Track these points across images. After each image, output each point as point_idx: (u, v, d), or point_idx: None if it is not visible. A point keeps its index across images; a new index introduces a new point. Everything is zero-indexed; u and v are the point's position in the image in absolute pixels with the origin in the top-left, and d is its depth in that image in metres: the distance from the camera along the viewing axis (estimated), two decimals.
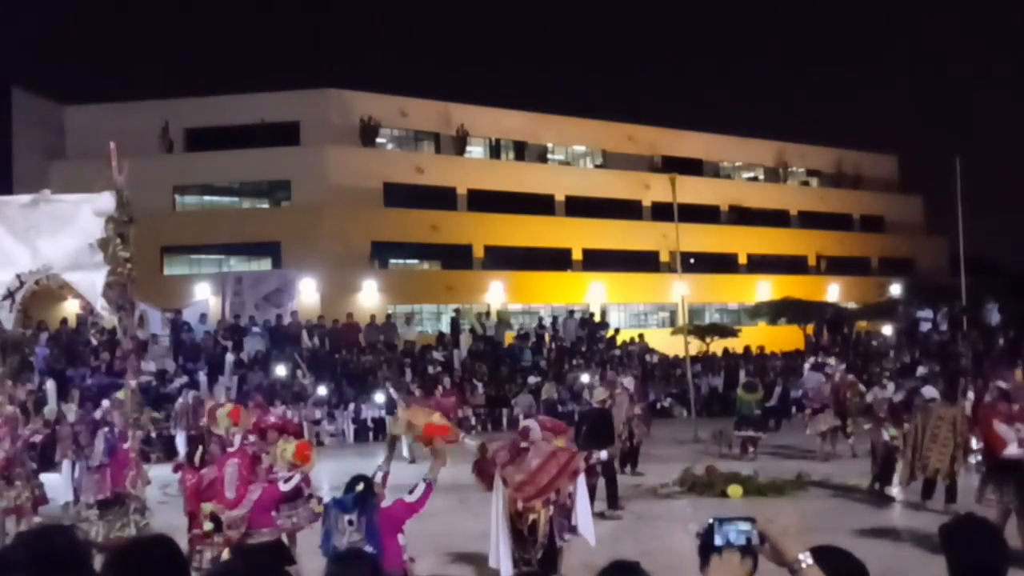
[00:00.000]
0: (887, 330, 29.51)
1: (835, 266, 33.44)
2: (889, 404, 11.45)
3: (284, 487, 5.93)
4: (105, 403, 9.78)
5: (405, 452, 12.95)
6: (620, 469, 11.76)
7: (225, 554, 5.87)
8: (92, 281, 5.99)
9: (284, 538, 6.40)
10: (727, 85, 66.27)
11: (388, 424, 16.13)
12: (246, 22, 64.84)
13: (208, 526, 6.10)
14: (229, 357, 18.81)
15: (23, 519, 8.13)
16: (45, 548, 1.71)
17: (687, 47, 72.13)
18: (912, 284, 31.10)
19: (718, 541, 1.93)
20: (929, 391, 10.13)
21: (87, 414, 10.28)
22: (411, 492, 5.26)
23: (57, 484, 9.73)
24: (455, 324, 24.35)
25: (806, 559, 1.91)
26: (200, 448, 6.96)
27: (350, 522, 4.86)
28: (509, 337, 24.29)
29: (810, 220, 34.04)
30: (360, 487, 5.02)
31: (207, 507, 6.24)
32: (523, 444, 6.79)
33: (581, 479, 6.75)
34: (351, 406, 18.47)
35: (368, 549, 4.75)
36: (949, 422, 9.45)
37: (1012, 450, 7.58)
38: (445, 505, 9.01)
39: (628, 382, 13.47)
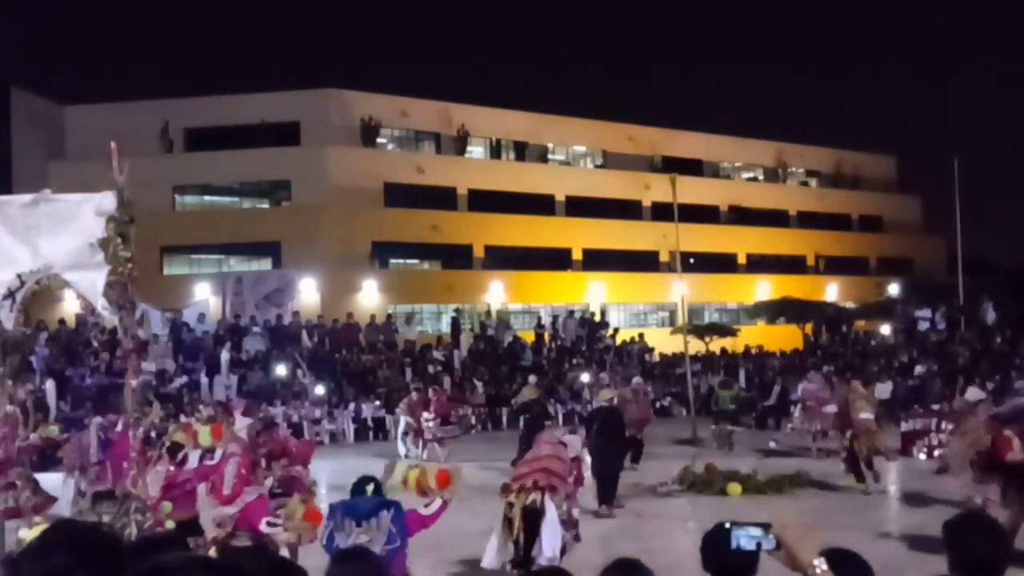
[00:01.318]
0: (885, 329, 29.56)
1: (834, 266, 33.50)
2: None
3: (274, 523, 5.84)
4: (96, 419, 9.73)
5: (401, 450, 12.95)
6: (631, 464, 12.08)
7: (212, 552, 5.83)
8: (92, 281, 5.99)
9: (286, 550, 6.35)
10: (727, 86, 66.35)
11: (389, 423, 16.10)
12: (247, 22, 64.85)
13: (170, 524, 6.05)
14: (224, 355, 18.81)
15: (23, 521, 8.13)
16: (83, 541, 1.71)
17: (687, 48, 72.18)
18: (910, 284, 31.17)
19: (732, 545, 1.96)
20: (975, 393, 10.26)
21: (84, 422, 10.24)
22: (427, 506, 5.23)
23: (55, 486, 9.69)
24: (455, 324, 24.37)
25: (820, 564, 1.92)
26: (183, 449, 6.94)
27: (357, 523, 4.82)
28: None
29: (809, 220, 34.10)
30: (370, 487, 5.00)
31: (167, 506, 6.22)
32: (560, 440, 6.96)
33: (552, 508, 6.74)
34: (351, 406, 18.49)
35: (387, 546, 4.75)
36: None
37: (1016, 455, 7.66)
38: None
39: (639, 381, 13.91)
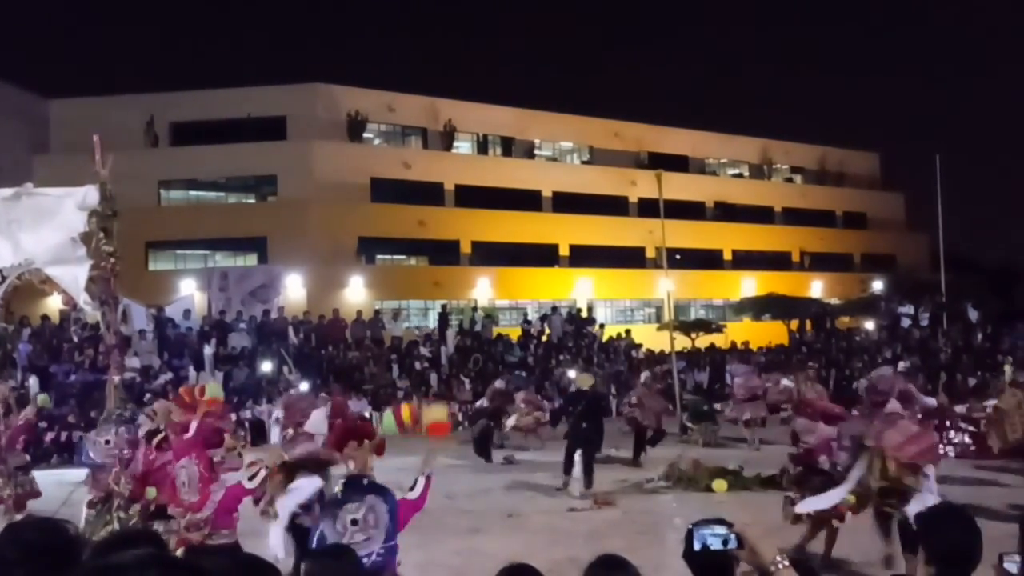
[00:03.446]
0: (869, 325, 29.85)
1: (818, 262, 33.77)
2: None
3: (249, 484, 5.83)
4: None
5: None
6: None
7: (179, 553, 5.77)
8: (74, 275, 5.94)
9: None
10: (713, 83, 66.58)
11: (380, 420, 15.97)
12: (233, 16, 64.25)
13: (134, 509, 6.02)
14: (208, 351, 18.66)
15: (7, 514, 8.08)
16: (38, 540, 1.72)
17: (674, 45, 72.34)
18: (893, 280, 31.47)
19: (696, 546, 1.97)
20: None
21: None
22: (411, 489, 5.00)
23: (48, 482, 9.58)
24: (443, 320, 24.33)
25: (783, 562, 1.95)
26: (161, 432, 6.90)
27: (353, 522, 4.48)
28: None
29: (794, 216, 34.34)
30: (365, 482, 4.80)
31: (151, 491, 6.19)
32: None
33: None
34: None
35: (377, 548, 4.46)
36: None
37: None
38: (433, 502, 9.02)
39: (647, 377, 14.65)
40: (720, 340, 26.58)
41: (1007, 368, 14.22)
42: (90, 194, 6.06)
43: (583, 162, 31.92)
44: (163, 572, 1.40)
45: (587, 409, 11.10)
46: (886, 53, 72.81)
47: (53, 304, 17.51)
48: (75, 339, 17.20)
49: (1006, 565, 2.34)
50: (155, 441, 6.61)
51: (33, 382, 14.75)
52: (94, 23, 57.25)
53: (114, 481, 6.08)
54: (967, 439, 13.34)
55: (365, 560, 4.29)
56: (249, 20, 63.95)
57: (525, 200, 28.50)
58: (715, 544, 1.96)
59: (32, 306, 18.16)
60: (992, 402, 11.76)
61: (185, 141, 25.89)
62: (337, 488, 4.82)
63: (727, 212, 32.57)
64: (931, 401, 10.71)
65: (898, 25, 74.61)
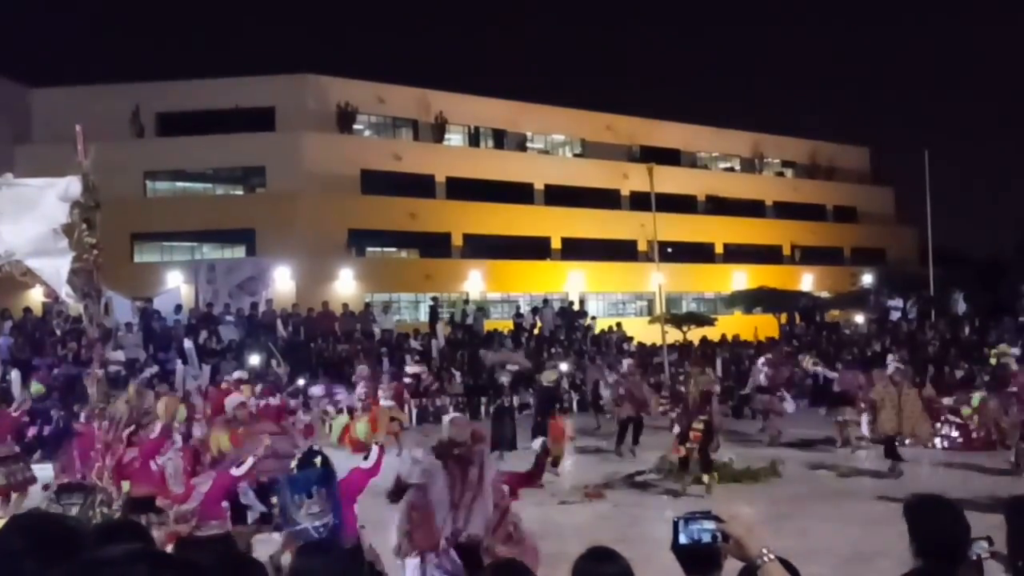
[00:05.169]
0: (859, 319, 30.03)
1: (809, 256, 33.91)
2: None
3: (237, 472, 5.84)
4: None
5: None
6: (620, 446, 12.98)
7: (169, 548, 5.74)
8: (56, 268, 5.82)
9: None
10: (705, 77, 66.64)
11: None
12: (222, 5, 63.68)
13: (116, 504, 6.03)
14: (187, 343, 18.43)
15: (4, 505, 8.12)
16: (44, 531, 1.71)
17: (666, 39, 72.32)
18: (883, 274, 31.68)
19: (683, 540, 1.95)
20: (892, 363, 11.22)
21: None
22: (366, 459, 5.33)
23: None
24: (433, 313, 24.26)
25: (768, 555, 1.93)
26: (133, 426, 6.93)
27: (308, 495, 4.89)
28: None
29: (785, 210, 34.44)
30: (318, 460, 5.06)
31: (126, 485, 6.20)
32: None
33: None
34: None
35: (328, 520, 4.84)
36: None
37: None
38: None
39: (629, 364, 14.55)
40: (711, 333, 26.65)
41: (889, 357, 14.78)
42: (72, 185, 5.94)
43: (575, 155, 31.86)
44: (151, 567, 1.38)
45: (539, 405, 12.09)
46: (878, 49, 73.12)
47: (35, 297, 17.37)
48: (58, 332, 17.04)
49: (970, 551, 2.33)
50: (126, 434, 6.58)
51: (15, 375, 14.56)
52: (78, 11, 56.61)
53: (97, 476, 6.01)
54: (954, 432, 13.43)
55: (321, 530, 4.75)
56: (238, 9, 63.44)
57: (517, 193, 28.42)
58: (705, 538, 1.95)
59: (14, 299, 17.97)
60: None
61: (172, 131, 25.62)
62: (294, 463, 5.18)
63: (718, 206, 32.63)
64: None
65: (891, 21, 74.95)
